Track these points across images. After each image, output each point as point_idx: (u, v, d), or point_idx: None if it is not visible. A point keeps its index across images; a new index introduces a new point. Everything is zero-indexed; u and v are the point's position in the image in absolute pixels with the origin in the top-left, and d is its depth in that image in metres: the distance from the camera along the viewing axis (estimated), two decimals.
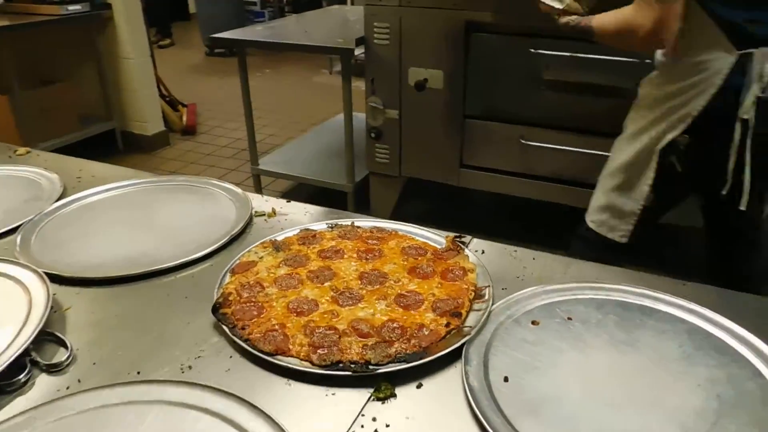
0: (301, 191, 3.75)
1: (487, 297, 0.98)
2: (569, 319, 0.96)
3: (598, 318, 0.97)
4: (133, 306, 0.99)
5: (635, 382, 0.84)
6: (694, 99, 1.44)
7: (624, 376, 0.85)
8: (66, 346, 0.88)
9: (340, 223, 1.21)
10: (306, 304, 0.95)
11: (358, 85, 3.52)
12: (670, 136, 1.52)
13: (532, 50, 2.70)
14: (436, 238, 1.17)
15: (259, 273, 1.04)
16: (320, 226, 1.21)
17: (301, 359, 0.85)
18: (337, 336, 0.88)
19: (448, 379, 0.84)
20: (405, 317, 0.93)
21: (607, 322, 0.96)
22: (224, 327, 0.90)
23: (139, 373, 0.84)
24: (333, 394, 0.80)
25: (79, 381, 0.82)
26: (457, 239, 1.15)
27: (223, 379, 0.83)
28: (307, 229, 1.19)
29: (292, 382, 0.82)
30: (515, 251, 1.16)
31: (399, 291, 1.00)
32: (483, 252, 1.14)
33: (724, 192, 1.45)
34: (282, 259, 1.08)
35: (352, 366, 0.83)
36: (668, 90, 1.51)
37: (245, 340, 0.87)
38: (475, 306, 0.97)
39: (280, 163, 3.59)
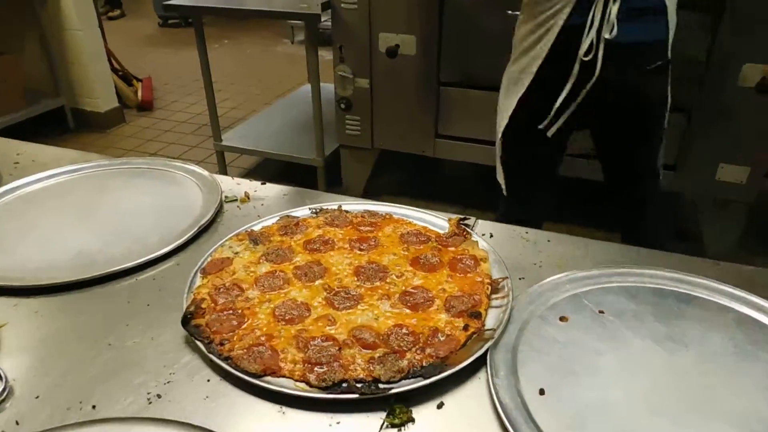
0: (268, 167, 3.55)
1: (506, 291, 0.84)
2: (601, 312, 0.84)
3: (632, 309, 0.84)
4: (85, 319, 0.82)
5: (689, 384, 0.72)
6: (543, 38, 1.44)
7: (675, 379, 0.73)
8: None
9: (324, 207, 1.06)
10: (295, 309, 0.80)
11: (323, 55, 3.31)
12: (527, 79, 1.50)
13: (509, 12, 2.55)
14: (436, 221, 1.03)
15: (236, 272, 0.88)
16: (303, 212, 1.05)
17: (296, 380, 0.70)
18: (337, 348, 0.74)
19: (473, 395, 0.71)
20: (415, 320, 0.79)
21: (643, 313, 0.84)
22: (198, 343, 0.74)
23: (94, 407, 0.68)
24: (338, 423, 0.66)
25: (17, 423, 0.66)
26: (462, 222, 1.01)
27: (201, 409, 0.68)
28: (289, 216, 1.03)
29: (286, 409, 0.68)
30: (526, 233, 1.03)
31: (403, 287, 0.85)
32: (491, 235, 1.00)
33: (549, 135, 1.45)
34: (262, 253, 0.92)
35: (359, 386, 0.69)
36: (526, 28, 1.50)
37: (225, 359, 0.72)
38: (493, 302, 0.83)
39: (244, 138, 3.38)
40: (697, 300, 0.86)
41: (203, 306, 0.80)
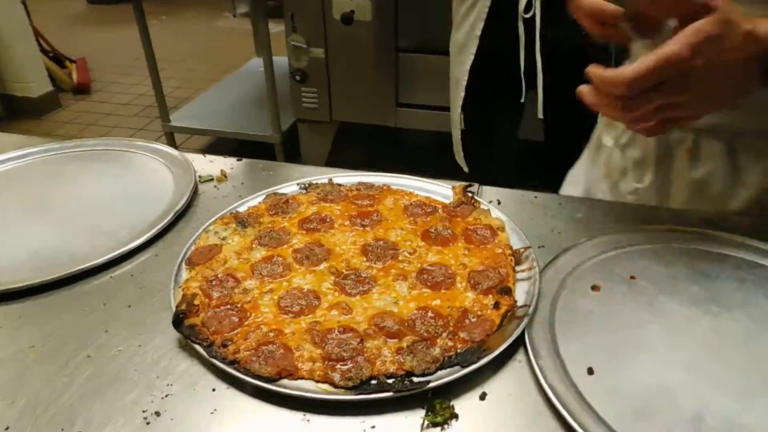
0: (221, 148, 3.38)
1: (531, 262, 0.77)
2: (632, 278, 0.77)
3: (665, 273, 0.78)
4: (54, 330, 0.69)
5: (750, 353, 0.66)
6: None
7: (732, 347, 0.67)
8: None
9: (314, 181, 0.95)
10: (303, 299, 0.70)
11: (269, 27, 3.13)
12: (472, 45, 1.43)
13: None
14: (438, 189, 0.94)
15: (228, 261, 0.77)
16: (291, 188, 0.94)
17: (317, 380, 0.60)
18: (358, 340, 0.64)
19: (516, 381, 0.63)
20: (438, 301, 0.70)
21: (676, 276, 0.78)
22: (196, 346, 0.64)
23: None
24: (372, 428, 0.57)
25: None
26: (467, 189, 0.92)
27: (210, 425, 0.57)
28: (276, 194, 0.92)
29: (310, 416, 0.58)
30: (535, 197, 0.95)
31: (419, 265, 0.76)
32: (498, 202, 0.92)
33: (522, 100, 1.38)
34: (253, 237, 0.81)
35: (391, 382, 0.60)
36: None
37: (231, 363, 0.62)
38: (518, 275, 0.76)
39: (194, 117, 3.19)
40: (729, 259, 0.81)
41: (196, 303, 0.69)
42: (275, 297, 0.70)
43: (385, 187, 0.94)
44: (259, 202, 0.90)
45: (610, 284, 0.76)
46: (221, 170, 1.00)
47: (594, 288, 0.76)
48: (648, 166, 1.00)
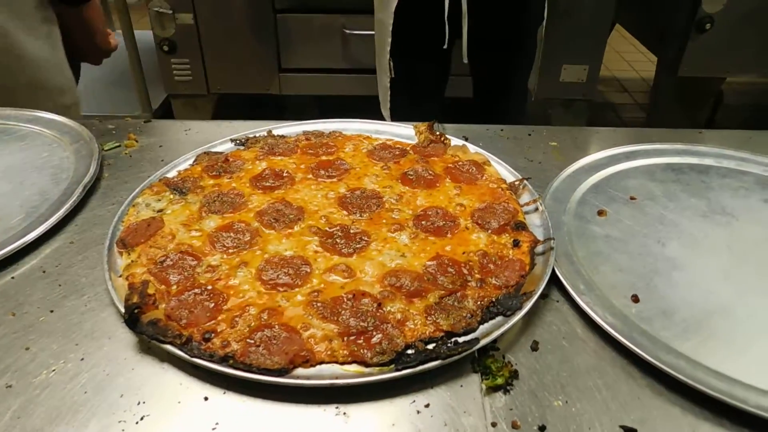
0: None
1: (532, 194, 0.68)
2: (633, 198, 0.72)
3: (661, 190, 0.74)
4: None
5: None
6: None
7: (755, 251, 0.64)
8: None
9: (251, 135, 0.79)
10: (289, 267, 0.56)
11: None
12: None
13: None
14: (398, 131, 0.83)
15: (176, 235, 0.60)
16: (225, 146, 0.78)
17: (341, 362, 0.47)
18: (376, 305, 0.52)
19: (561, 322, 0.54)
20: (449, 247, 0.59)
21: (673, 192, 0.74)
22: (167, 346, 0.48)
23: None
24: (427, 407, 0.45)
25: None
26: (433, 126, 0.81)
27: None
28: (210, 153, 0.75)
29: (345, 407, 0.45)
30: (502, 130, 0.87)
31: (410, 212, 0.65)
32: (466, 139, 0.83)
33: (445, 46, 1.33)
34: (200, 204, 0.65)
35: (432, 348, 0.48)
36: None
37: (223, 359, 0.46)
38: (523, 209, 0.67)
39: None
40: (713, 169, 0.78)
41: (150, 292, 0.52)
42: (251, 270, 0.55)
43: (337, 134, 0.80)
44: (191, 164, 0.73)
45: (615, 207, 0.70)
46: (129, 135, 0.81)
47: (600, 213, 0.69)
48: None
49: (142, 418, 0.44)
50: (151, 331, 0.48)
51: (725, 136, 0.87)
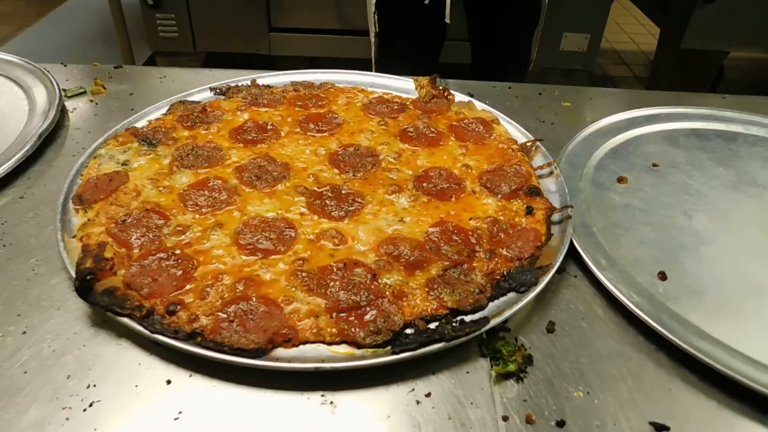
0: None
1: (546, 156, 0.61)
2: (655, 165, 0.65)
3: (685, 158, 0.67)
4: None
5: None
6: None
7: None
8: None
9: (232, 84, 0.71)
10: (271, 230, 0.49)
11: None
12: None
13: None
14: (396, 84, 0.75)
15: (142, 192, 0.52)
16: (203, 95, 0.69)
17: (329, 342, 0.40)
18: (370, 276, 0.45)
19: (580, 301, 0.48)
20: (453, 212, 0.52)
21: (698, 160, 0.67)
22: (124, 319, 0.40)
23: None
24: (428, 396, 0.39)
25: None
26: (434, 81, 0.74)
27: None
28: (185, 102, 0.67)
29: (332, 395, 0.39)
30: (509, 87, 0.80)
31: (410, 172, 0.57)
32: (471, 95, 0.75)
33: (426, 2, 1.24)
34: (172, 158, 0.57)
35: (434, 327, 0.42)
36: None
37: (190, 336, 0.39)
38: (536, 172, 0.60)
39: (27, 54, 2.63)
40: (741, 136, 0.72)
41: (108, 255, 0.44)
42: (226, 233, 0.48)
43: (329, 86, 0.72)
44: (164, 114, 0.64)
45: (635, 174, 0.63)
46: (96, 80, 0.72)
47: (620, 180, 0.62)
48: None
49: (91, 405, 0.37)
50: (107, 302, 0.41)
51: (751, 102, 0.80)
